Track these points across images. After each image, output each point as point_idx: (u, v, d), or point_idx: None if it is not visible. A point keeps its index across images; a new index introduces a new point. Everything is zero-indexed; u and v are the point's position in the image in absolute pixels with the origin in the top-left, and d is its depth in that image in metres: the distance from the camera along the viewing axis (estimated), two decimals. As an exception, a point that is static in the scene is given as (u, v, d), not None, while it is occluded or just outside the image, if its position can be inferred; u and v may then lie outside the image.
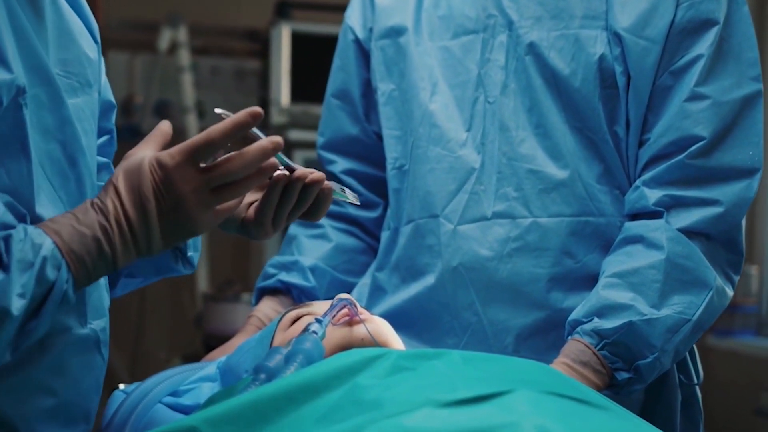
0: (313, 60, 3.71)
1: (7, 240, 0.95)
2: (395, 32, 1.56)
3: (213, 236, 3.92)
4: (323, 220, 1.65)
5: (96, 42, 1.19)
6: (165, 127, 1.09)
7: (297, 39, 3.78)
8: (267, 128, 3.56)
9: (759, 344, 3.48)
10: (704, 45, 1.37)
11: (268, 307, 1.61)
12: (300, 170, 1.17)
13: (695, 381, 1.47)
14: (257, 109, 1.04)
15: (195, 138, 1.03)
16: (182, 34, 3.81)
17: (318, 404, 0.99)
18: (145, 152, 1.04)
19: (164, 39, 3.80)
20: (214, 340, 3.69)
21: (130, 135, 3.53)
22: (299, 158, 3.76)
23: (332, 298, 1.65)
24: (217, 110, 1.10)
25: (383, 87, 1.57)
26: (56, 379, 1.09)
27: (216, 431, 0.98)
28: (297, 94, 3.75)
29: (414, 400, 0.93)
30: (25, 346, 1.00)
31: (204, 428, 0.98)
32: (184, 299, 3.98)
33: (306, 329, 1.17)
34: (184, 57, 3.81)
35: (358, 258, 1.65)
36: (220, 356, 1.44)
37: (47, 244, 0.97)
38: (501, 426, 0.87)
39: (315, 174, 1.18)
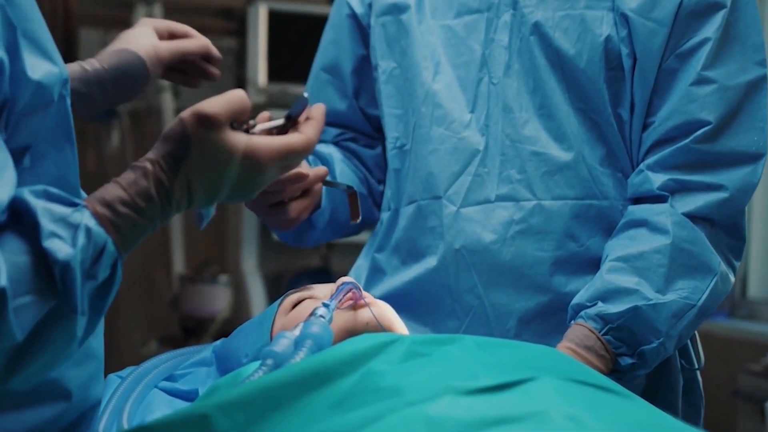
0: (290, 39, 3.69)
1: (65, 277, 0.89)
2: (397, 9, 1.53)
3: (189, 217, 3.87)
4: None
5: None
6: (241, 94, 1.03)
7: (274, 17, 3.74)
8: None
9: (733, 326, 3.50)
10: (711, 28, 1.35)
11: None
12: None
13: (696, 366, 1.47)
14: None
15: (288, 145, 1.03)
16: (157, 12, 3.76)
17: (332, 390, 0.96)
18: (235, 138, 1.00)
19: (139, 17, 3.74)
20: (190, 322, 3.66)
21: (103, 114, 3.48)
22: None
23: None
24: (305, 94, 1.11)
25: (384, 65, 1.54)
26: (95, 341, 1.10)
27: (228, 418, 0.95)
28: (274, 74, 3.71)
29: (434, 388, 0.90)
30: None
31: (215, 415, 0.95)
32: (159, 280, 3.94)
33: (313, 313, 1.15)
34: (159, 35, 3.75)
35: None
36: None
37: (109, 249, 0.94)
38: (528, 415, 0.84)
39: None
